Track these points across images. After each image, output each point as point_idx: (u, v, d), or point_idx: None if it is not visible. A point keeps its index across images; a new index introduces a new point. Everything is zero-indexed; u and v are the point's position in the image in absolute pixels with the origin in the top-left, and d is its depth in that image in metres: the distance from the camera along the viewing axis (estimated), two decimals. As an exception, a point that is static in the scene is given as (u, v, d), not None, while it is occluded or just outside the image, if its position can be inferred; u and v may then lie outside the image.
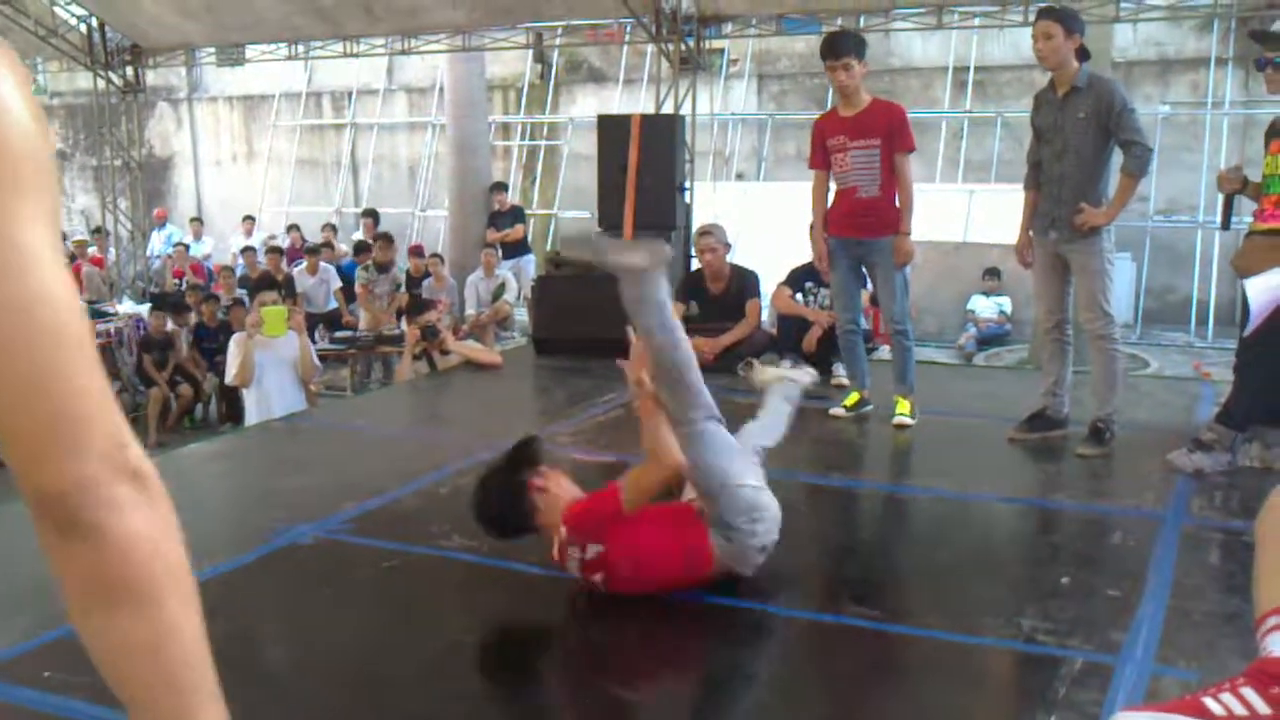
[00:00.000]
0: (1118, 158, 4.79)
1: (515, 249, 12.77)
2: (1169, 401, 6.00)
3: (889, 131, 5.27)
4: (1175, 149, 11.84)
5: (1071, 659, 2.88)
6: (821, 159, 5.49)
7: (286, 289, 10.97)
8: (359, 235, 13.82)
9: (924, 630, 3.15)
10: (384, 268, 11.25)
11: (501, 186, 13.71)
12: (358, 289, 11.25)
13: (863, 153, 5.29)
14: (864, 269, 5.59)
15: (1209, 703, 1.58)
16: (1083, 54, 4.79)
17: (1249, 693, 1.57)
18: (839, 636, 3.15)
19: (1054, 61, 4.78)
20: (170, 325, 10.61)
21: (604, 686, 2.79)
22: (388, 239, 11.66)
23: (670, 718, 2.69)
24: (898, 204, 5.34)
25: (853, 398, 5.62)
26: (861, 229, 5.36)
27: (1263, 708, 1.55)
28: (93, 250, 14.61)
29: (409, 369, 7.43)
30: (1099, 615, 3.19)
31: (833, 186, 5.51)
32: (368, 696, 2.74)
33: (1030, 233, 5.07)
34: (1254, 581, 1.75)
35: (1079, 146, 4.77)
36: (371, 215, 14.18)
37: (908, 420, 5.37)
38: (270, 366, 6.58)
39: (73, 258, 14.29)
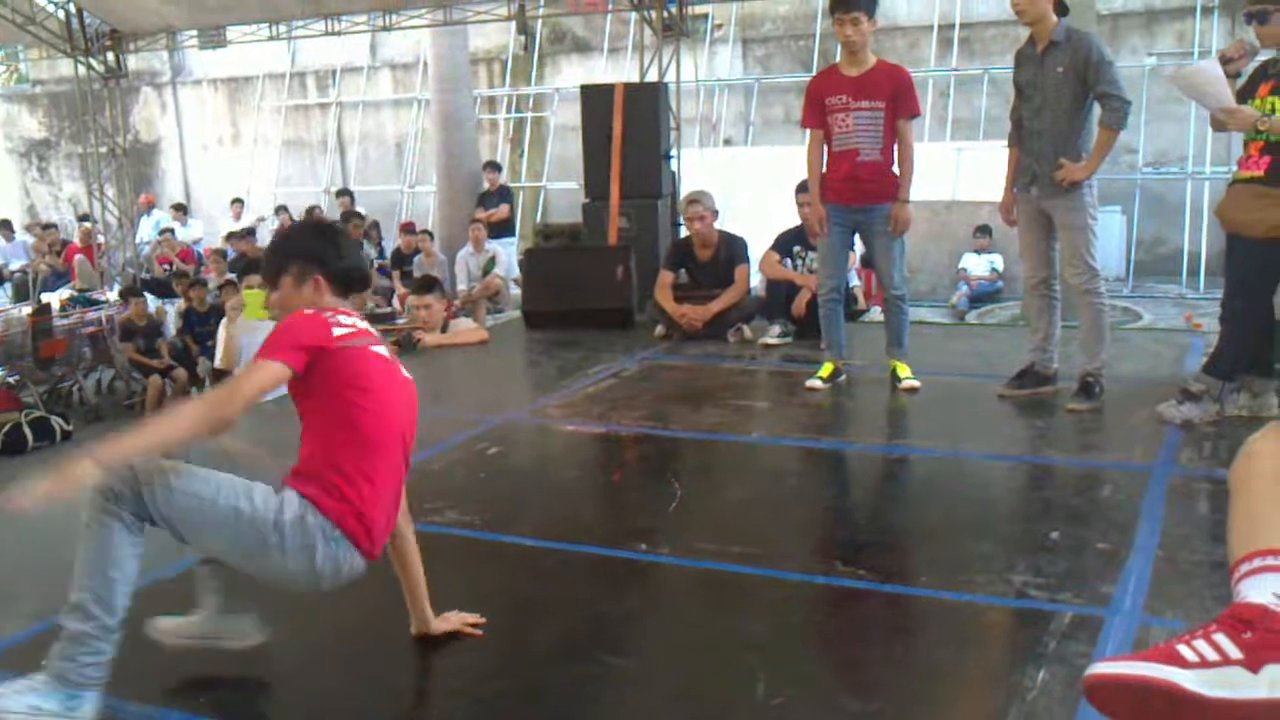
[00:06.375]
0: (1099, 112, 4.77)
1: (499, 231, 12.49)
2: (1158, 353, 6.00)
3: (895, 94, 5.17)
4: (1163, 101, 11.75)
5: (1061, 613, 2.91)
6: (817, 118, 5.31)
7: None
8: (342, 216, 13.81)
9: (915, 589, 3.18)
10: None
11: (494, 166, 13.60)
12: None
13: (867, 115, 5.17)
14: (857, 236, 5.49)
15: (1182, 649, 1.60)
16: (1061, 8, 4.76)
17: (1221, 638, 1.59)
18: (830, 598, 3.18)
19: (1032, 15, 4.75)
20: (151, 311, 10.62)
21: (596, 654, 2.81)
22: (358, 217, 11.57)
23: (664, 682, 2.71)
24: (896, 170, 5.26)
25: (827, 368, 5.49)
26: (863, 195, 5.24)
27: (1235, 652, 1.57)
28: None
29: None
30: (1089, 569, 3.22)
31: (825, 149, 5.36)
32: (366, 671, 2.76)
33: (1014, 190, 5.06)
34: (1228, 529, 1.76)
35: (1057, 101, 4.75)
36: (346, 194, 14.12)
37: (915, 383, 5.34)
38: (256, 350, 6.54)
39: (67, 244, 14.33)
